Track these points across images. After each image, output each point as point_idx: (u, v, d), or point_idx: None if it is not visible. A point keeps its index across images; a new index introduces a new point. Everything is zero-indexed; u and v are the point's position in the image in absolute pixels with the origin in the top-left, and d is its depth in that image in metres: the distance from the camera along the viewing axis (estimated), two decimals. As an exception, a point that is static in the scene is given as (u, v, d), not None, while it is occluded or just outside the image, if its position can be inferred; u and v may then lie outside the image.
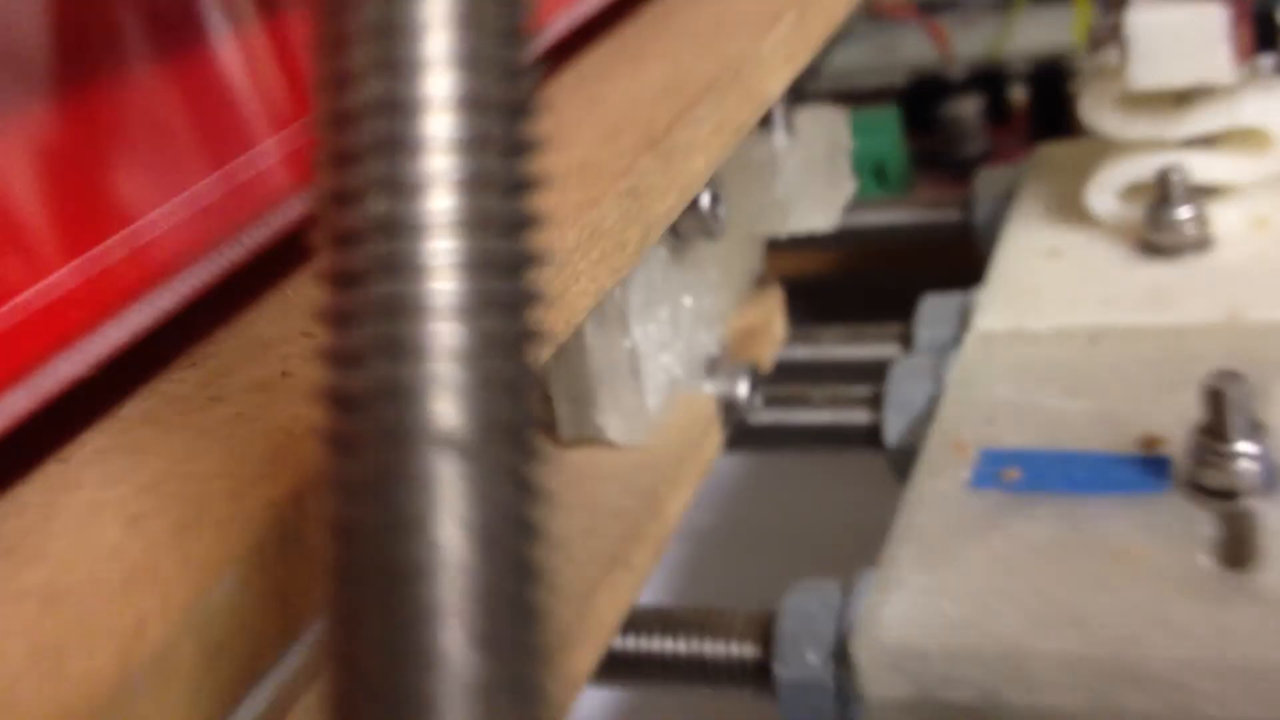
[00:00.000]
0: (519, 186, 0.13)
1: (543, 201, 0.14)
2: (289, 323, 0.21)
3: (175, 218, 0.21)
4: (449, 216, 0.12)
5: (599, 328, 0.35)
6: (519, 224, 0.13)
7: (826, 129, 0.39)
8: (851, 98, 0.73)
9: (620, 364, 0.35)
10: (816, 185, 0.38)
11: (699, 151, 0.28)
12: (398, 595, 0.12)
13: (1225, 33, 0.41)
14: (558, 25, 0.28)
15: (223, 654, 0.16)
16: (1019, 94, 0.72)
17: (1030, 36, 0.78)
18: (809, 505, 0.51)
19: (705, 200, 0.36)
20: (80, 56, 0.18)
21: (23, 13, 0.17)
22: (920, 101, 0.69)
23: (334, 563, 0.13)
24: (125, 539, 0.17)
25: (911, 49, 0.82)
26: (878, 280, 0.59)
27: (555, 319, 0.23)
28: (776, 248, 0.48)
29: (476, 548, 0.12)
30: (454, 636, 0.12)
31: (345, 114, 0.13)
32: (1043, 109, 0.68)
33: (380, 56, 0.13)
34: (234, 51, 0.21)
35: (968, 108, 0.64)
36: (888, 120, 0.63)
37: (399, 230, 0.12)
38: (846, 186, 0.39)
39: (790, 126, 0.38)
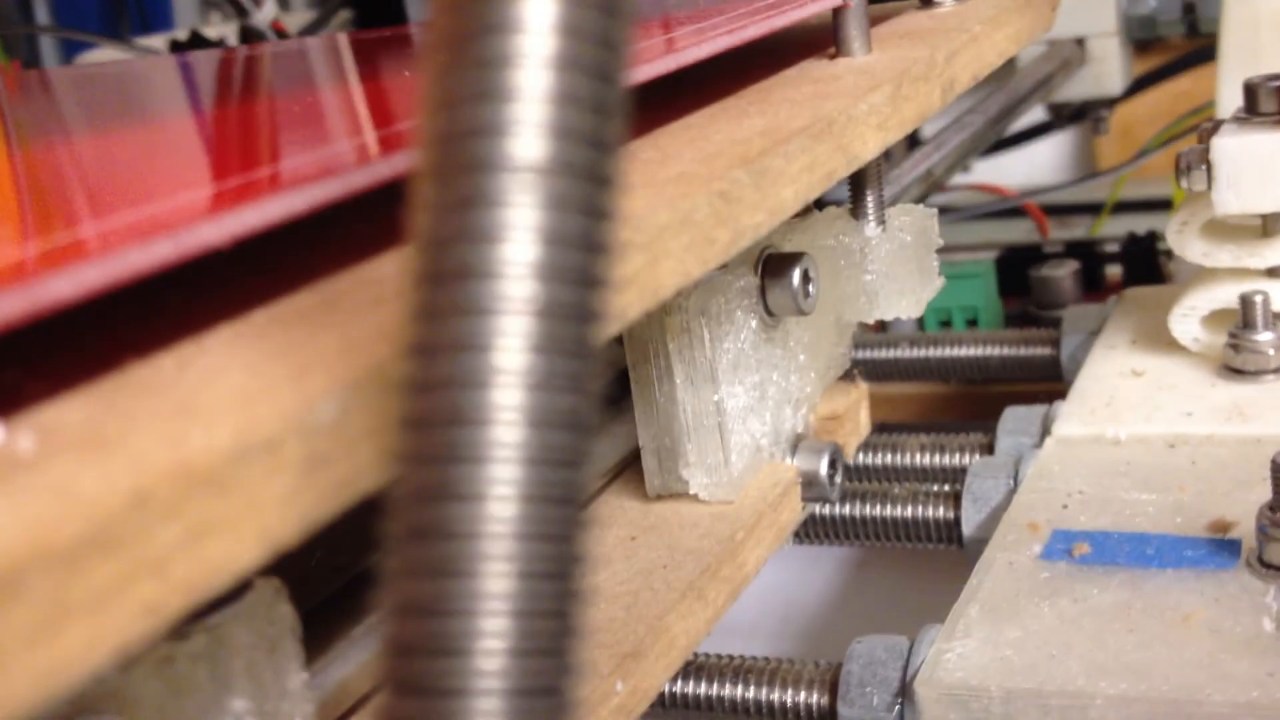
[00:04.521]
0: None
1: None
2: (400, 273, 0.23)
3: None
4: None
5: (689, 384, 0.37)
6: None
7: (916, 224, 0.41)
8: (951, 262, 0.76)
9: (707, 419, 0.37)
10: (904, 275, 0.40)
11: (789, 183, 0.30)
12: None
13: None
14: (663, 65, 0.31)
15: (326, 465, 0.18)
16: (1113, 271, 0.74)
17: (1127, 225, 0.81)
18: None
19: (796, 277, 0.38)
20: None
21: None
22: (1015, 268, 0.71)
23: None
24: (248, 380, 0.19)
25: (1012, 230, 0.85)
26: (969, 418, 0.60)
27: (643, 289, 0.25)
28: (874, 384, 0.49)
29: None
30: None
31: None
32: (1138, 280, 0.70)
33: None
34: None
35: (1061, 269, 0.66)
36: (982, 273, 0.65)
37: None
38: (934, 282, 0.41)
39: (882, 218, 0.41)
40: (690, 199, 0.26)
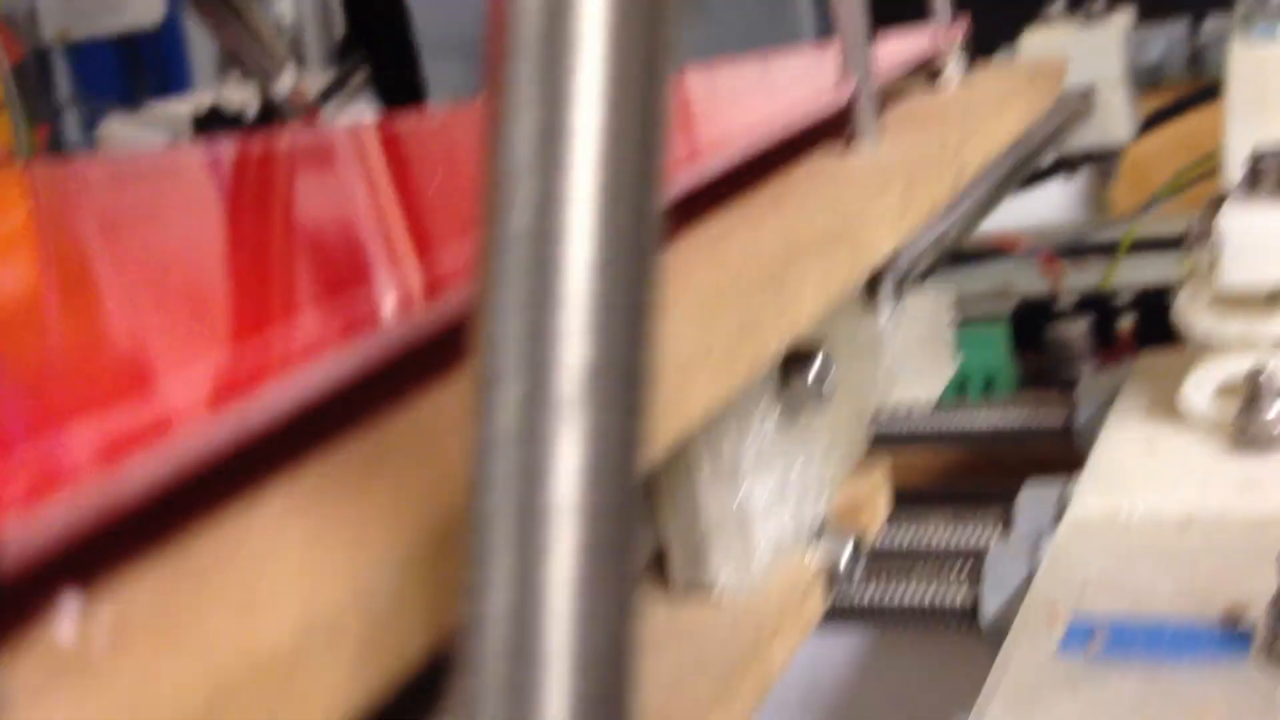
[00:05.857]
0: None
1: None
2: (448, 413, 0.24)
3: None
4: None
5: (713, 482, 0.38)
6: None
7: (931, 309, 0.42)
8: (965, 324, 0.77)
9: (731, 517, 0.38)
10: (920, 360, 0.41)
11: (808, 297, 0.31)
12: None
13: (1314, 237, 0.44)
14: (681, 182, 0.32)
15: (384, 632, 0.19)
16: (1126, 322, 0.75)
17: (1140, 273, 0.82)
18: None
19: (815, 368, 0.39)
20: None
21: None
22: (1029, 323, 0.72)
23: None
24: (305, 550, 0.20)
25: (1025, 282, 0.86)
26: (985, 486, 0.61)
27: (669, 420, 0.26)
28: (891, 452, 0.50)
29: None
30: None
31: None
32: (1150, 334, 0.71)
33: None
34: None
35: (1074, 329, 0.67)
36: (997, 336, 0.66)
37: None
38: (949, 365, 0.42)
39: (897, 305, 0.42)
40: (711, 330, 0.27)
